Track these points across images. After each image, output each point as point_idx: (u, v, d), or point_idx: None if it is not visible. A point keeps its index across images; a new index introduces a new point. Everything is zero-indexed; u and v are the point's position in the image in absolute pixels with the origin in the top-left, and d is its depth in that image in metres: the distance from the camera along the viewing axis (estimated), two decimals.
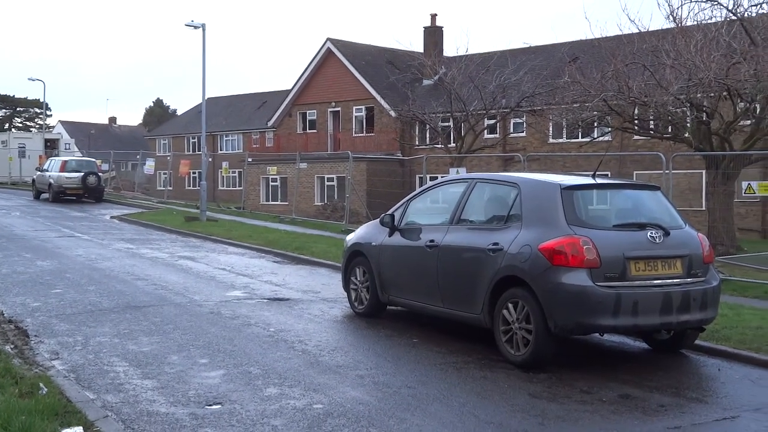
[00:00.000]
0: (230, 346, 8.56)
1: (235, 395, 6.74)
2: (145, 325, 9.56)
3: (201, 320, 9.96)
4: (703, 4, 21.09)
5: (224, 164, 42.83)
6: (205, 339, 8.87)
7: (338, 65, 45.39)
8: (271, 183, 44.07)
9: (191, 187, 56.51)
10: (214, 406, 6.44)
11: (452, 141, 33.87)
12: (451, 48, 64.44)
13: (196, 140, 60.70)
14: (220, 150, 60.74)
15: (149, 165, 42.25)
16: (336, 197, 39.38)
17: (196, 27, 29.11)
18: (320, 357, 8.16)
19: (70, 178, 34.24)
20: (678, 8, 21.44)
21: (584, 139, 30.54)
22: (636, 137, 28.51)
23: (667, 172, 16.13)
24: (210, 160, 41.92)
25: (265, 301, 11.63)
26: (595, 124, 27.08)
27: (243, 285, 13.16)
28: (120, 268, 14.78)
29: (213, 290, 12.50)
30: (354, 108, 45.35)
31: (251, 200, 41.83)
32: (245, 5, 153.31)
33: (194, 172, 54.93)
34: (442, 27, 45.98)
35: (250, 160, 41.61)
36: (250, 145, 55.15)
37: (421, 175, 27.62)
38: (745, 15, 20.59)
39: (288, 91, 49.49)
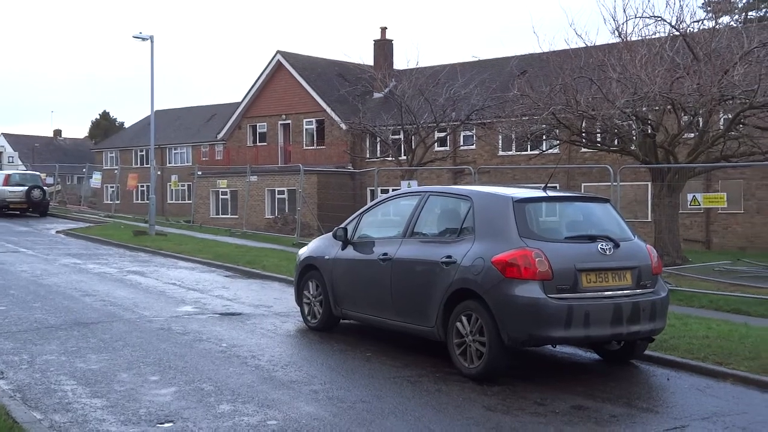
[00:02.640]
0: (182, 362, 8.43)
1: (188, 413, 6.63)
2: (93, 342, 9.37)
3: (151, 336, 9.80)
4: (647, 20, 21.57)
5: (173, 177, 42.34)
6: (155, 356, 8.72)
7: (288, 78, 45.30)
8: (221, 196, 43.69)
9: (139, 201, 55.69)
10: (166, 425, 6.33)
11: (403, 154, 34.04)
12: (401, 61, 64.89)
13: (144, 153, 59.99)
14: (169, 163, 60.06)
15: (96, 178, 41.58)
16: (287, 210, 39.22)
17: (144, 39, 28.82)
18: (274, 372, 8.09)
19: (14, 192, 33.48)
20: (623, 24, 21.85)
21: (533, 152, 30.92)
22: (584, 150, 28.97)
23: (614, 184, 16.40)
24: (159, 173, 41.48)
25: (217, 316, 11.50)
26: (544, 137, 27.47)
27: (194, 300, 12.99)
28: (67, 284, 14.48)
29: (163, 306, 12.32)
30: (305, 121, 45.27)
31: (201, 214, 41.43)
32: (194, 18, 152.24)
33: (142, 186, 54.24)
34: (392, 40, 46.25)
35: (199, 173, 41.25)
36: (200, 158, 54.66)
37: (373, 188, 27.71)
38: (688, 31, 21.08)
39: (238, 104, 49.23)
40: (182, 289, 14.25)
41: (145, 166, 56.81)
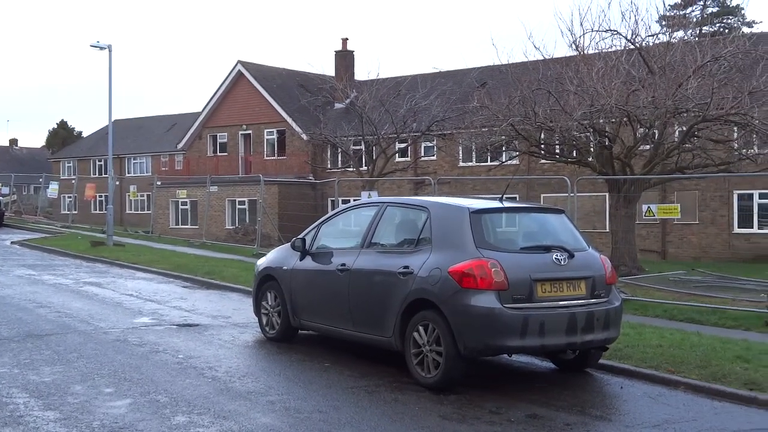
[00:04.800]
0: (137, 374, 8.35)
1: (142, 425, 6.58)
2: (47, 355, 9.24)
3: (107, 348, 9.69)
4: (603, 34, 21.93)
5: (132, 188, 41.96)
6: (110, 367, 8.63)
7: (249, 88, 45.15)
8: (180, 206, 43.34)
9: (97, 211, 54.90)
10: None
11: (364, 164, 34.09)
12: (362, 72, 64.98)
13: (103, 163, 59.22)
14: (128, 173, 59.43)
15: (52, 188, 41.02)
16: (247, 221, 39.03)
17: (102, 48, 28.57)
18: (230, 383, 8.05)
19: None
20: (580, 37, 22.20)
21: (493, 163, 31.19)
22: (543, 161, 29.30)
23: (571, 195, 16.60)
24: (117, 183, 41.04)
25: (174, 327, 11.41)
26: (504, 148, 27.72)
27: (151, 311, 12.87)
28: (20, 295, 14.26)
29: (120, 317, 12.19)
30: (265, 131, 45.14)
31: (160, 224, 41.05)
32: (155, 27, 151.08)
33: (101, 196, 53.53)
34: (353, 51, 46.38)
35: (158, 183, 40.87)
36: (159, 168, 54.18)
37: (334, 198, 27.72)
38: (643, 45, 21.46)
39: (198, 114, 48.93)
40: (139, 300, 14.11)
41: (103, 176, 56.04)
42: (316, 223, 10.39)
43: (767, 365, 8.70)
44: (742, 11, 55.24)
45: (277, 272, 10.46)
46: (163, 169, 53.98)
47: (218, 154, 47.63)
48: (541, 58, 23.41)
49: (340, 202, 23.96)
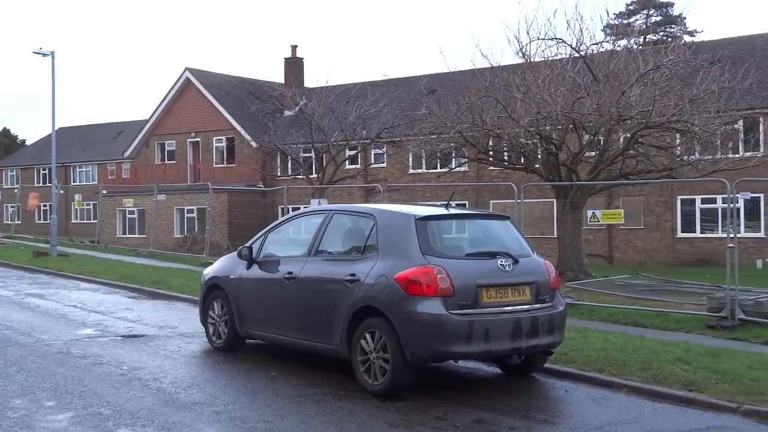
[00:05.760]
0: (80, 386, 8.21)
1: None
2: None
3: (48, 361, 9.51)
4: (549, 42, 22.24)
5: (77, 196, 41.25)
6: (52, 380, 8.47)
7: (197, 95, 44.75)
8: (128, 215, 42.74)
9: (42, 221, 53.91)
10: None
11: (314, 172, 34.05)
12: (311, 79, 64.80)
13: (47, 171, 58.13)
14: (74, 182, 58.42)
15: None
16: (196, 229, 38.65)
17: (44, 55, 28.11)
18: (176, 394, 7.96)
19: None
20: (527, 45, 22.49)
21: (442, 170, 31.38)
22: (491, 168, 29.57)
23: (518, 201, 16.78)
24: (62, 192, 40.31)
25: (119, 338, 11.24)
26: (453, 155, 27.93)
27: (95, 322, 12.67)
28: None
29: (63, 329, 11.97)
30: (214, 138, 44.77)
31: (107, 234, 40.45)
32: (99, 33, 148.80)
33: (45, 205, 52.56)
34: (302, 58, 46.27)
35: (104, 191, 40.31)
36: (106, 177, 53.39)
37: (283, 206, 27.59)
38: (587, 53, 21.82)
39: (146, 121, 48.31)
40: (84, 312, 13.87)
41: (47, 185, 55.05)
42: (263, 232, 10.34)
43: (706, 367, 8.91)
44: (684, 20, 56.51)
45: (223, 281, 10.38)
46: (110, 177, 53.21)
47: (166, 162, 47.08)
48: (489, 65, 23.67)
49: (290, 209, 23.91)
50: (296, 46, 46.34)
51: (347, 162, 35.54)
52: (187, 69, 45.07)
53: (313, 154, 34.15)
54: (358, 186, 35.72)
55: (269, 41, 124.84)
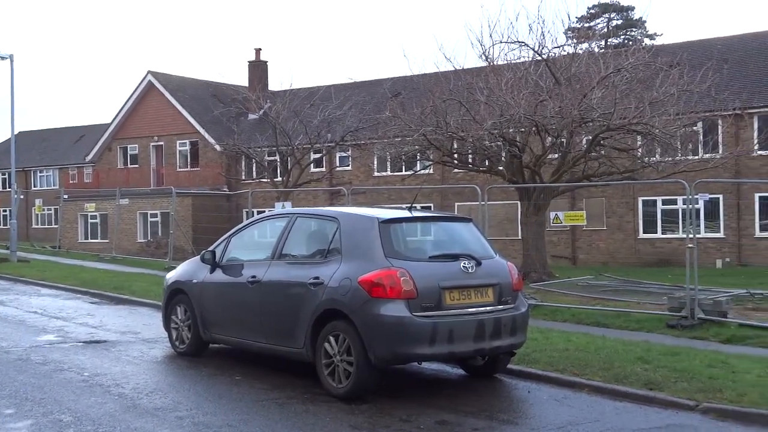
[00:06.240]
0: (40, 393, 8.10)
1: None
2: None
3: (8, 368, 9.36)
4: (512, 45, 22.40)
5: (38, 201, 40.71)
6: (11, 388, 8.34)
7: (160, 98, 44.39)
8: (90, 220, 42.23)
9: (1, 226, 53.11)
10: None
11: (279, 175, 33.95)
12: (276, 82, 64.57)
13: (6, 176, 57.21)
14: (34, 186, 57.54)
15: None
16: (160, 234, 38.32)
17: (3, 58, 27.69)
18: (138, 400, 7.89)
19: None
20: (490, 48, 22.63)
21: (407, 172, 31.47)
22: (456, 170, 29.73)
23: (482, 203, 16.86)
24: (22, 197, 39.71)
25: (80, 344, 11.11)
26: (417, 158, 28.03)
27: (56, 328, 12.51)
28: None
29: (22, 335, 11.80)
30: (178, 142, 44.44)
31: (68, 239, 39.94)
32: (59, 36, 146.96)
33: (4, 210, 51.74)
34: (266, 61, 46.11)
35: (65, 196, 39.79)
36: (67, 181, 52.69)
37: (248, 210, 27.48)
38: (549, 56, 22.02)
39: (108, 125, 47.81)
40: (44, 318, 13.70)
41: (7, 189, 54.25)
42: (226, 236, 10.30)
43: (666, 366, 9.04)
44: (645, 24, 57.26)
45: (186, 286, 10.32)
46: (72, 182, 52.52)
47: (129, 166, 46.64)
48: (452, 68, 23.78)
49: (254, 213, 23.79)
50: (260, 49, 46.22)
51: (312, 165, 35.50)
52: (149, 72, 44.70)
53: (277, 158, 34.05)
54: (323, 189, 35.68)
55: (233, 44, 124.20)
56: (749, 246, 29.05)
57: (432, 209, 32.65)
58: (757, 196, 28.86)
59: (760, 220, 28.97)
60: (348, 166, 38.02)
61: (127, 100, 45.76)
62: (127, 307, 15.52)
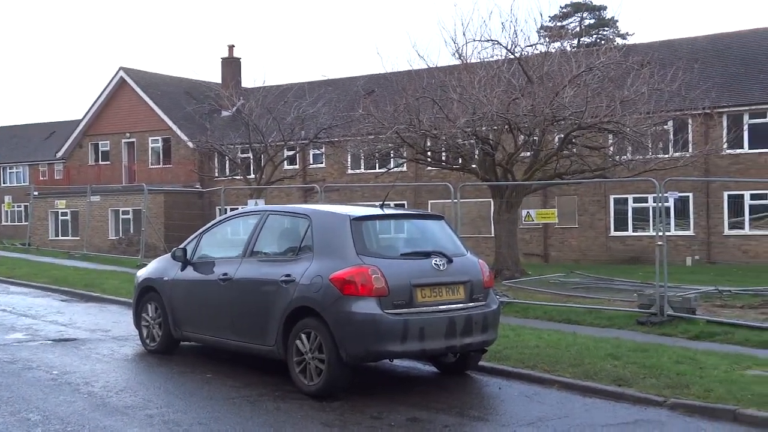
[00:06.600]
0: (7, 392, 8.01)
1: None
2: None
3: None
4: (485, 44, 22.49)
5: (7, 198, 40.21)
6: None
7: (132, 95, 44.02)
8: (60, 217, 41.79)
9: None
10: None
11: (252, 172, 33.82)
12: (249, 79, 64.31)
13: None
14: (4, 183, 56.93)
15: None
16: (132, 231, 38.01)
17: None
18: (107, 398, 7.83)
19: None
20: (463, 46, 22.69)
21: (381, 170, 31.52)
22: (430, 168, 29.78)
23: (455, 201, 16.93)
24: None
25: (50, 342, 11.01)
26: (391, 155, 28.06)
27: (25, 327, 12.38)
28: None
29: None
30: (150, 139, 44.09)
31: (39, 236, 39.50)
32: (30, 31, 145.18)
33: None
34: (239, 58, 45.90)
35: (36, 193, 39.35)
36: (38, 178, 52.12)
37: (221, 207, 27.33)
38: (522, 55, 22.13)
39: (79, 121, 47.31)
40: (13, 316, 13.55)
41: None
42: (198, 233, 10.26)
43: (635, 362, 9.13)
44: (617, 23, 57.68)
45: (157, 283, 10.26)
46: (42, 178, 51.97)
47: (100, 162, 46.20)
48: (426, 66, 23.82)
49: (227, 210, 23.67)
50: (233, 45, 45.98)
51: (285, 162, 35.39)
52: (121, 68, 44.31)
53: (251, 155, 33.91)
54: (297, 187, 35.60)
55: (207, 41, 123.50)
56: (718, 243, 29.41)
57: (406, 207, 32.69)
58: (726, 194, 29.21)
59: (729, 218, 29.32)
60: (321, 163, 37.96)
61: (99, 96, 45.33)
62: (97, 305, 15.39)
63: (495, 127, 21.80)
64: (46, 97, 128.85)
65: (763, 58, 31.04)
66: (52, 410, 7.35)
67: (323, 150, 36.66)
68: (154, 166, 43.90)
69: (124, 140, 45.13)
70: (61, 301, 16.04)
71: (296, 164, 37.46)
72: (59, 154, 47.93)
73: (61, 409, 7.39)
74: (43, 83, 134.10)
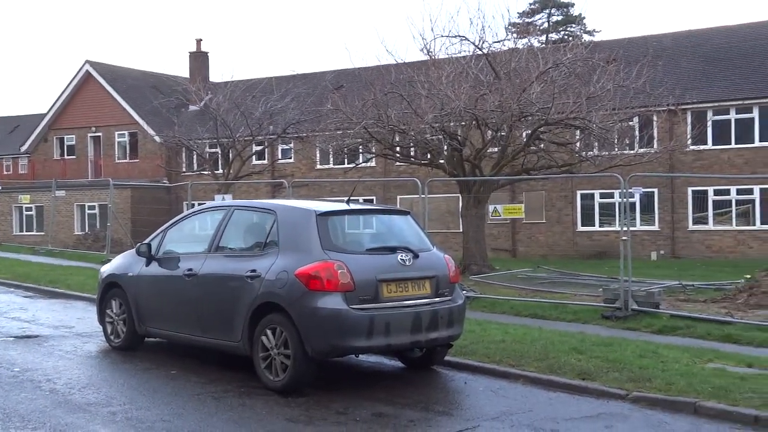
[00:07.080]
0: None
1: None
2: None
3: None
4: (453, 39, 22.54)
5: None
6: None
7: (98, 89, 43.47)
8: (25, 212, 41.24)
9: None
10: None
11: (220, 167, 33.61)
12: (217, 74, 63.78)
13: None
14: None
15: None
16: (98, 226, 37.60)
17: None
18: (70, 395, 7.75)
19: None
20: (431, 41, 22.72)
21: (349, 165, 31.47)
22: (398, 163, 29.81)
23: (423, 196, 16.94)
24: None
25: (11, 339, 10.87)
26: (359, 151, 28.02)
27: None
28: None
29: None
30: (116, 133, 43.61)
31: (2, 231, 39.04)
32: None
33: None
34: (207, 52, 45.51)
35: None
36: (2, 172, 51.26)
37: (188, 202, 27.17)
38: (490, 51, 22.21)
39: (43, 115, 46.65)
40: None
41: None
42: (162, 228, 10.18)
43: (599, 356, 9.23)
44: (584, 20, 58.07)
45: (121, 279, 10.18)
46: (6, 173, 51.15)
47: (66, 157, 45.60)
48: (394, 62, 23.83)
49: (194, 205, 23.49)
50: (201, 39, 45.57)
51: (254, 158, 35.21)
52: (87, 62, 43.74)
53: (218, 150, 33.68)
54: (265, 182, 35.42)
55: (174, 35, 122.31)
56: (683, 239, 29.77)
57: (374, 202, 32.69)
58: (690, 190, 29.56)
59: (693, 213, 29.69)
60: (290, 158, 37.81)
61: (64, 90, 44.72)
62: (61, 301, 15.22)
63: (463, 123, 21.87)
64: (9, 91, 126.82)
65: (726, 56, 31.44)
66: (12, 408, 7.26)
67: (292, 145, 36.52)
68: (120, 161, 43.44)
69: (90, 134, 44.60)
70: (25, 297, 15.84)
71: (265, 159, 37.28)
72: (24, 148, 47.21)
73: (22, 407, 7.30)
74: (7, 76, 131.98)
